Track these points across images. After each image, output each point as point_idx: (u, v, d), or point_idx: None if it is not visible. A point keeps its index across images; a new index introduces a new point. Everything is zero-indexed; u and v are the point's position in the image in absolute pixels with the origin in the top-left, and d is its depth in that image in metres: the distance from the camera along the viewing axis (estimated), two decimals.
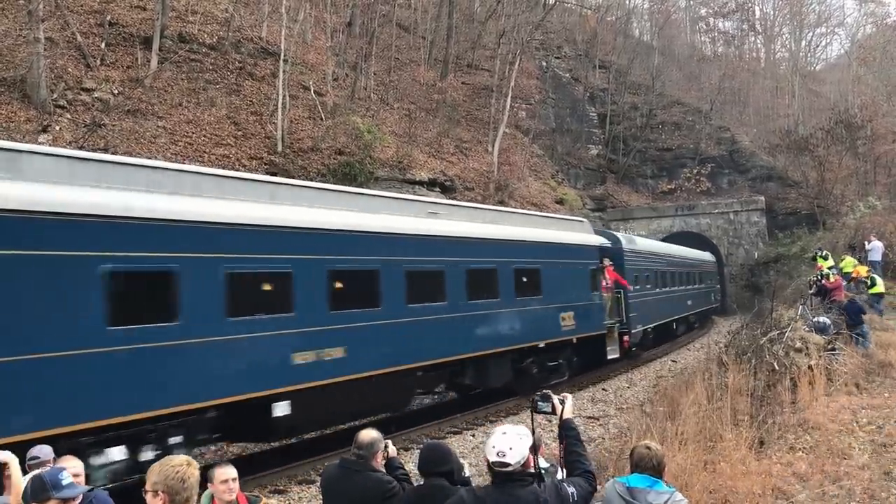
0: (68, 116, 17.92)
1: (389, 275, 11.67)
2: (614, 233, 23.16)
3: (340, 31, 31.33)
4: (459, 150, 30.48)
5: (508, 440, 3.51)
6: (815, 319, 13.66)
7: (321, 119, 24.26)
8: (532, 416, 4.20)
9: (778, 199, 40.64)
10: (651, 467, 3.87)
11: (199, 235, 8.60)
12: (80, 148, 15.85)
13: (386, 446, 4.58)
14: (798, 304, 18.00)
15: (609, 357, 18.88)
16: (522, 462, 3.51)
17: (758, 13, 70.75)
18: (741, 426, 8.66)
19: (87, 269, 7.44)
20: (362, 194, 12.80)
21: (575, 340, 17.15)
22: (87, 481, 4.59)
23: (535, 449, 3.74)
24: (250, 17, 27.61)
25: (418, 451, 9.13)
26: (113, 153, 16.06)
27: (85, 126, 17.72)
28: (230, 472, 4.58)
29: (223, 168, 17.18)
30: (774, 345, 12.17)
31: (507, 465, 3.46)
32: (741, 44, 70.86)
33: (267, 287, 9.65)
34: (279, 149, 21.46)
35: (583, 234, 18.87)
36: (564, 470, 3.98)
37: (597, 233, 20.53)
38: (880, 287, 18.79)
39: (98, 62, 20.20)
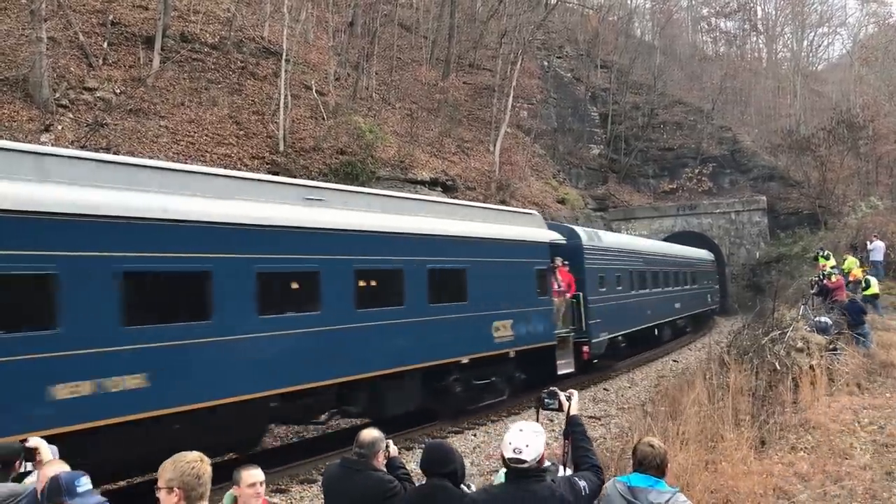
0: (70, 116, 17.94)
1: (230, 278, 8.84)
2: (573, 227, 19.94)
3: (342, 30, 31.34)
4: (461, 149, 30.48)
5: (525, 437, 3.58)
6: (817, 319, 13.65)
7: (323, 119, 24.28)
8: (538, 413, 4.23)
9: (779, 199, 40.61)
10: (654, 466, 3.86)
11: None
12: (82, 148, 15.88)
13: (387, 446, 4.58)
14: (799, 304, 18.00)
15: (560, 372, 15.92)
16: (538, 458, 3.58)
17: (759, 13, 70.71)
18: (742, 426, 8.66)
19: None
20: (199, 173, 9.57)
21: (513, 354, 14.48)
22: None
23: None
24: (252, 17, 27.62)
25: (420, 450, 9.14)
26: (115, 153, 16.09)
27: (87, 125, 17.74)
28: (258, 475, 4.36)
29: (224, 168, 17.19)
30: (776, 345, 12.17)
31: (524, 461, 3.53)
32: (743, 43, 70.82)
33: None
34: (281, 148, 21.48)
35: (529, 229, 16.03)
36: (569, 467, 4.03)
37: (551, 227, 17.75)
38: (874, 288, 18.76)
39: (100, 62, 20.22)
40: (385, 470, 4.48)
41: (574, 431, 4.07)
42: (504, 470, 4.83)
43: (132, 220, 7.81)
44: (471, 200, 26.56)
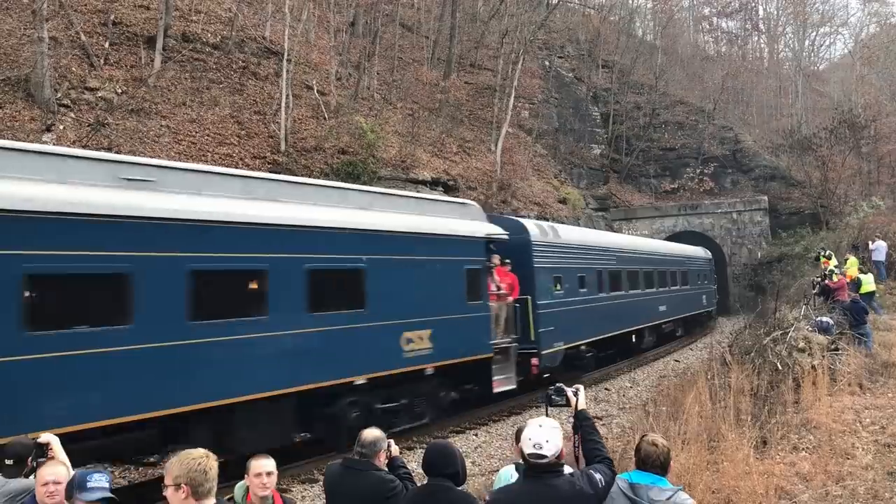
0: (72, 116, 17.95)
1: None
2: (521, 220, 17.44)
3: (344, 30, 31.34)
4: (462, 149, 30.47)
5: (545, 432, 3.61)
6: (818, 319, 13.65)
7: (324, 118, 24.29)
8: (546, 410, 4.28)
9: (781, 199, 40.58)
10: (658, 464, 3.85)
11: None
12: (84, 147, 15.89)
13: (389, 445, 4.59)
14: (801, 303, 17.98)
15: (498, 389, 13.77)
16: (557, 453, 3.63)
17: (761, 13, 70.68)
18: (744, 426, 8.65)
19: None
20: None
21: (432, 370, 12.25)
22: None
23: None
24: (254, 17, 27.64)
25: (421, 450, 9.15)
26: (116, 152, 16.10)
27: (89, 125, 17.76)
28: (265, 464, 4.33)
29: (226, 167, 17.21)
30: (777, 344, 12.17)
31: (544, 456, 3.57)
32: (744, 43, 70.82)
33: None
34: (282, 148, 21.49)
35: (459, 222, 13.59)
36: (581, 460, 4.06)
37: (494, 220, 15.45)
38: (868, 286, 18.66)
39: (102, 61, 20.24)
40: (387, 470, 4.49)
41: (583, 426, 4.13)
42: (507, 467, 4.86)
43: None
44: (472, 200, 26.67)
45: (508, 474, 4.71)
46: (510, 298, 14.71)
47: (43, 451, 4.46)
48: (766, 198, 40.04)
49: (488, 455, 11.42)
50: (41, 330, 7.13)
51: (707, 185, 41.78)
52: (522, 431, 3.80)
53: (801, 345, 11.86)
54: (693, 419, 8.73)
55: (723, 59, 61.49)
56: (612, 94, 44.65)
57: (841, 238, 28.94)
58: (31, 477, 4.33)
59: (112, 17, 21.89)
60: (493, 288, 14.12)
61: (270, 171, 19.38)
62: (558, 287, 16.71)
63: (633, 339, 22.21)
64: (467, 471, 4.53)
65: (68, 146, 15.66)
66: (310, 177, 20.47)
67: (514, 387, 14.39)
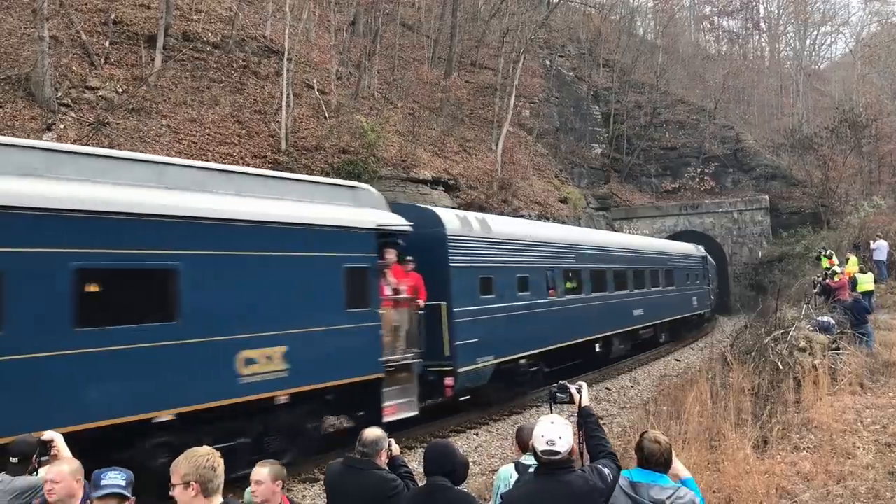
0: (73, 115, 17.95)
1: None
2: (434, 209, 14.43)
3: (344, 29, 31.34)
4: (463, 148, 30.47)
5: (557, 429, 3.65)
6: (819, 319, 13.65)
7: (325, 118, 24.28)
8: (550, 407, 4.30)
9: (782, 198, 40.59)
10: (662, 462, 3.86)
11: None
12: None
13: (389, 444, 4.59)
14: (802, 303, 17.97)
15: (390, 418, 10.74)
16: (569, 450, 3.67)
17: (762, 12, 70.73)
18: (745, 425, 8.65)
19: None
20: None
21: (286, 399, 9.49)
22: None
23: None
24: (254, 16, 27.64)
25: (422, 449, 9.14)
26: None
27: (89, 124, 17.76)
28: (259, 473, 4.20)
29: (224, 165, 17.19)
30: (778, 344, 12.18)
31: (558, 452, 3.61)
32: (745, 42, 70.84)
33: None
34: (283, 147, 21.48)
35: (342, 209, 10.80)
36: (583, 456, 4.10)
37: (398, 208, 12.71)
38: (865, 285, 18.58)
39: (102, 60, 20.24)
40: (388, 469, 4.49)
41: (587, 422, 4.16)
42: (507, 466, 4.87)
43: None
44: (473, 200, 26.75)
45: (508, 473, 4.72)
46: (421, 303, 12.08)
47: (46, 448, 4.49)
48: (767, 197, 40.04)
49: (489, 454, 11.42)
50: None
51: (708, 185, 41.80)
52: (533, 429, 3.82)
53: (802, 344, 11.87)
54: (694, 419, 8.73)
55: (724, 59, 61.50)
56: (612, 94, 44.64)
57: (842, 237, 28.96)
58: (36, 474, 4.36)
59: (112, 16, 21.89)
60: (387, 291, 11.38)
61: (272, 171, 19.36)
62: (488, 290, 13.98)
63: (598, 348, 19.16)
64: (469, 470, 4.52)
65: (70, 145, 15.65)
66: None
67: (415, 413, 11.52)
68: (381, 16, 31.58)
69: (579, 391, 4.30)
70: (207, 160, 18.74)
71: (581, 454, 4.15)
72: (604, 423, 12.85)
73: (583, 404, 4.24)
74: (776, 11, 70.25)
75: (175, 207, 8.35)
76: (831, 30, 71.87)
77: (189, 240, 8.51)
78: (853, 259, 21.74)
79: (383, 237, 11.35)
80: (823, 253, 22.43)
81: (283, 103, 21.88)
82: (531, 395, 15.64)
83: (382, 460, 4.47)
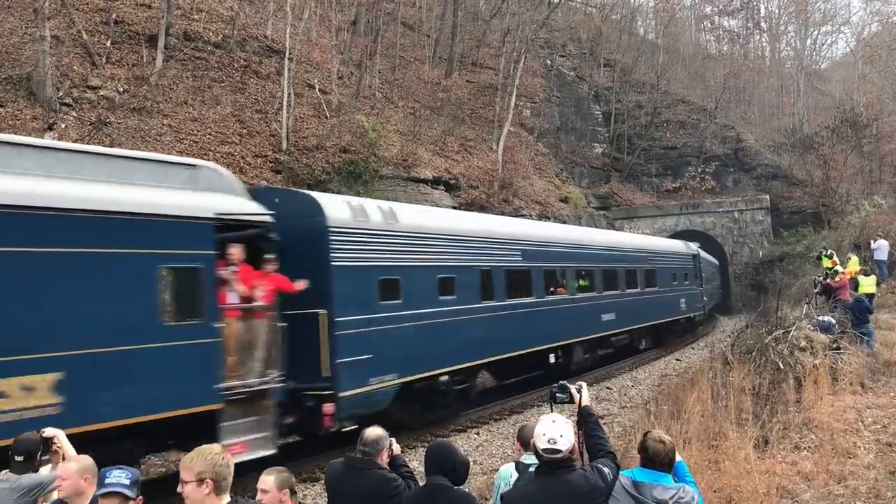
0: (74, 114, 17.97)
1: None
2: (311, 194, 11.45)
3: (345, 29, 31.35)
4: (464, 148, 30.48)
5: (559, 427, 3.68)
6: (820, 318, 13.64)
7: (326, 117, 24.29)
8: (551, 407, 4.32)
9: (783, 198, 40.60)
10: (666, 462, 3.85)
11: None
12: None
13: (390, 444, 4.60)
14: (803, 302, 17.96)
15: (239, 459, 6.96)
16: (570, 448, 3.69)
17: (763, 11, 70.78)
18: (745, 425, 8.65)
19: None
20: None
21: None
22: None
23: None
24: (255, 16, 27.65)
25: (423, 449, 9.14)
26: None
27: (90, 124, 17.77)
28: (264, 481, 4.08)
29: (228, 166, 17.21)
30: (779, 344, 12.16)
31: (559, 451, 3.63)
32: (746, 42, 70.85)
33: None
34: (284, 147, 21.48)
35: (167, 193, 8.48)
36: (583, 456, 4.12)
37: (264, 192, 10.65)
38: (867, 287, 18.53)
39: (103, 60, 20.25)
40: (389, 468, 4.49)
41: (587, 421, 4.18)
42: (507, 465, 4.88)
43: None
44: (473, 199, 26.79)
45: (509, 473, 4.74)
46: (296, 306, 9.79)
47: (48, 445, 4.51)
48: (767, 197, 40.04)
49: (489, 454, 11.43)
50: None
51: (709, 184, 41.80)
52: (534, 428, 3.83)
53: (803, 344, 11.86)
54: (694, 418, 8.73)
55: (724, 58, 61.50)
56: (613, 93, 44.63)
57: (843, 237, 28.96)
58: (41, 472, 4.38)
59: (114, 15, 21.89)
60: (230, 299, 9.01)
61: (273, 171, 19.40)
62: (392, 295, 11.55)
63: (554, 359, 16.64)
64: (469, 470, 4.53)
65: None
66: (311, 176, 20.46)
67: (272, 451, 8.89)
68: (382, 15, 31.59)
69: (579, 391, 4.32)
70: (209, 160, 18.74)
71: (581, 454, 4.16)
72: (604, 423, 12.88)
73: (583, 404, 4.27)
74: (777, 11, 70.37)
75: None
76: (832, 29, 71.95)
77: None
78: (854, 259, 21.71)
79: (229, 230, 9.00)
80: (824, 253, 22.39)
81: (284, 103, 21.89)
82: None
83: (383, 460, 4.47)
